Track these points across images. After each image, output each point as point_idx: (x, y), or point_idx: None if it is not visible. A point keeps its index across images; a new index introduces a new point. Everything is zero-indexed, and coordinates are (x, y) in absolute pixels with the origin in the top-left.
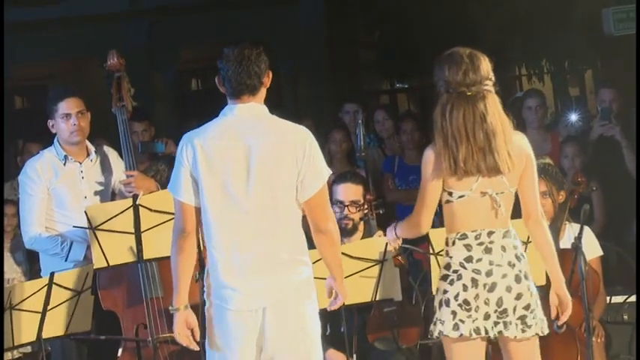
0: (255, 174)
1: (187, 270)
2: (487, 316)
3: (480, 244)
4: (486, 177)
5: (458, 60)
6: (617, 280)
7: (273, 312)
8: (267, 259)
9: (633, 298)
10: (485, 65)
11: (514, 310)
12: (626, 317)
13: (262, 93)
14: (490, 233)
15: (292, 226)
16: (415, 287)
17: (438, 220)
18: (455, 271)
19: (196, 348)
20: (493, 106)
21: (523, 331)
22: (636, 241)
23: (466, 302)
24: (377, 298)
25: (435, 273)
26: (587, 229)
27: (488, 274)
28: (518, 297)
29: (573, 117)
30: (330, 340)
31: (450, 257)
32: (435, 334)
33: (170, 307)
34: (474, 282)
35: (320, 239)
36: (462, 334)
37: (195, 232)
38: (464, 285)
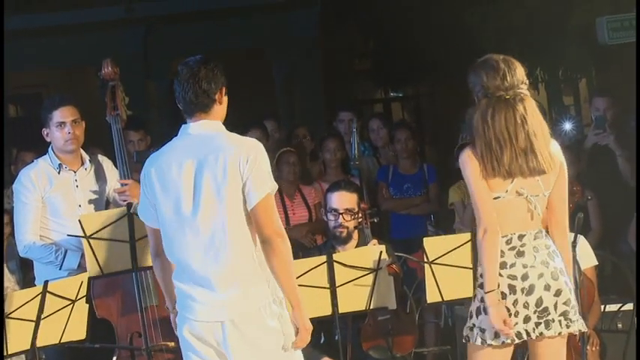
0: (202, 190)
1: (170, 279)
2: (527, 319)
3: (512, 248)
4: (523, 178)
5: (494, 65)
6: (612, 289)
7: (234, 326)
8: (224, 273)
9: (628, 307)
10: (520, 69)
11: (555, 307)
12: (620, 326)
13: (217, 110)
14: (521, 236)
15: (245, 239)
16: (409, 296)
17: (434, 230)
18: None
19: None
20: (532, 109)
21: (567, 326)
22: (636, 251)
23: (506, 309)
24: (371, 307)
25: (430, 281)
26: (582, 239)
27: (524, 277)
28: (558, 293)
29: (567, 126)
30: (325, 348)
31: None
32: (478, 342)
33: (166, 309)
34: (512, 288)
35: (264, 250)
36: (503, 342)
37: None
38: (502, 293)
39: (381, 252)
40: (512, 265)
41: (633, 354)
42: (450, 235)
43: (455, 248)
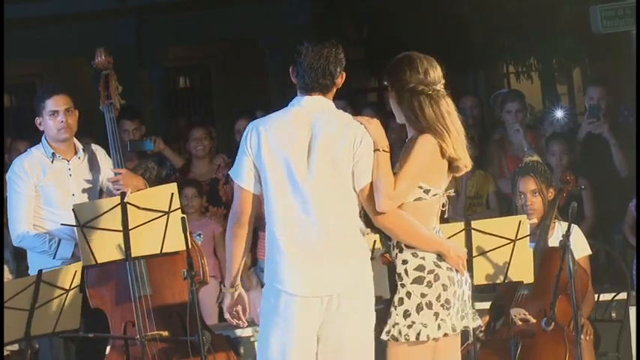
0: (316, 159)
1: (240, 255)
2: (457, 311)
3: None
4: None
5: (417, 61)
6: (606, 278)
7: (340, 300)
8: (332, 244)
9: (621, 296)
10: (439, 69)
11: (469, 299)
12: (614, 315)
13: (332, 92)
14: (439, 230)
15: (352, 211)
16: None
17: None
18: (430, 272)
19: (245, 324)
20: (453, 107)
21: (474, 320)
22: (636, 242)
23: (447, 302)
24: None
25: None
26: (576, 228)
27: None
28: (469, 286)
29: (559, 113)
30: None
31: (422, 258)
32: (422, 337)
33: (222, 288)
34: (451, 280)
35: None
36: (446, 334)
37: (250, 220)
38: (443, 285)
39: (375, 241)
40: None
41: (627, 343)
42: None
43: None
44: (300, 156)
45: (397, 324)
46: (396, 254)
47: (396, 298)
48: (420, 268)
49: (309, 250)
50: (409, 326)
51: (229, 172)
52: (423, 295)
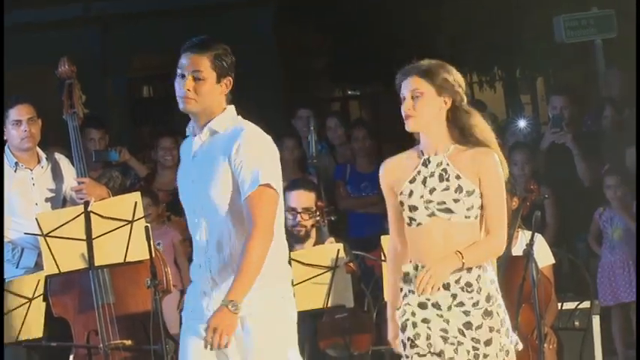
0: None
1: None
2: None
3: None
4: None
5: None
6: (569, 287)
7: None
8: None
9: (585, 305)
10: None
11: None
12: (577, 324)
13: None
14: None
15: None
16: (367, 294)
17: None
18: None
19: None
20: None
21: None
22: (636, 251)
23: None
24: (329, 305)
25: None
26: (539, 237)
27: None
28: None
29: (522, 123)
30: None
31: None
32: (519, 346)
33: (231, 304)
34: None
35: None
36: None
37: None
38: None
39: (339, 250)
40: None
41: (590, 352)
42: None
43: None
44: None
45: (504, 345)
46: (479, 276)
47: (497, 322)
48: (494, 281)
49: None
50: (511, 342)
51: (269, 182)
52: (505, 312)
